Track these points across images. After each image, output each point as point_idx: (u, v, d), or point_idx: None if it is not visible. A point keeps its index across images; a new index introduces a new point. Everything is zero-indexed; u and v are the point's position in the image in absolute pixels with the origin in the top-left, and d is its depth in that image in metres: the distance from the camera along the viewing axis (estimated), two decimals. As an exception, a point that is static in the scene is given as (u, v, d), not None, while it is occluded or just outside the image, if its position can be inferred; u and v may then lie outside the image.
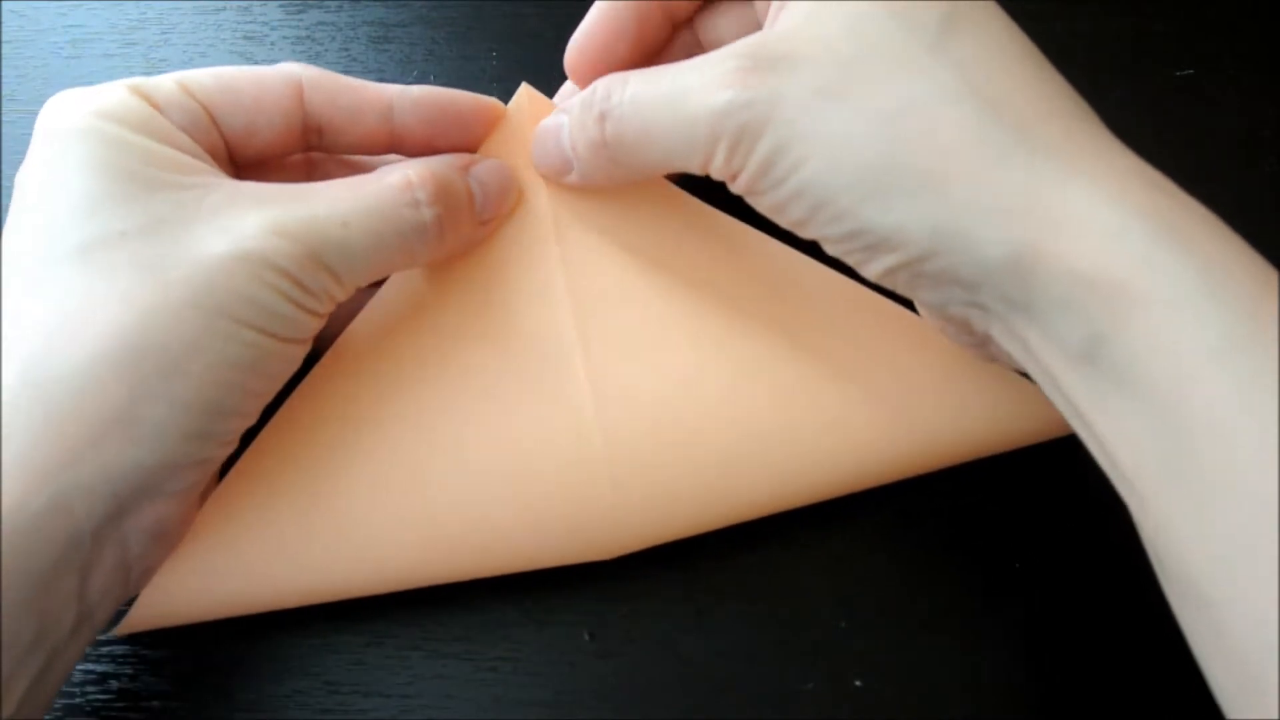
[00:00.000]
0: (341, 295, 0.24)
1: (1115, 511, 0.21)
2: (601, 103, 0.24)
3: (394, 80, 0.35)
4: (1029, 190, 0.20)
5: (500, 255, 0.27)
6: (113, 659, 0.27)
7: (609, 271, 0.26)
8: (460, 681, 0.26)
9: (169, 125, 0.24)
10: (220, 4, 0.37)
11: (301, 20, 0.36)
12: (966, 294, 0.21)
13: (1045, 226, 0.20)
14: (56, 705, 0.26)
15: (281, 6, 0.37)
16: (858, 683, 0.26)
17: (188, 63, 0.35)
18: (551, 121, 0.26)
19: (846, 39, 0.21)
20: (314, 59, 0.36)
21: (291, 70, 0.26)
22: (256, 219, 0.22)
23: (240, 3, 0.37)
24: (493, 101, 0.27)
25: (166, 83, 0.24)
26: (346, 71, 0.35)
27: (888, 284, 0.23)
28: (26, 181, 0.23)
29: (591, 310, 0.26)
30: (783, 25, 0.22)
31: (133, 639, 0.27)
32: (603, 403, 0.25)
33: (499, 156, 0.27)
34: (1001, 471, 0.27)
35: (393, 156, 0.28)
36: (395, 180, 0.24)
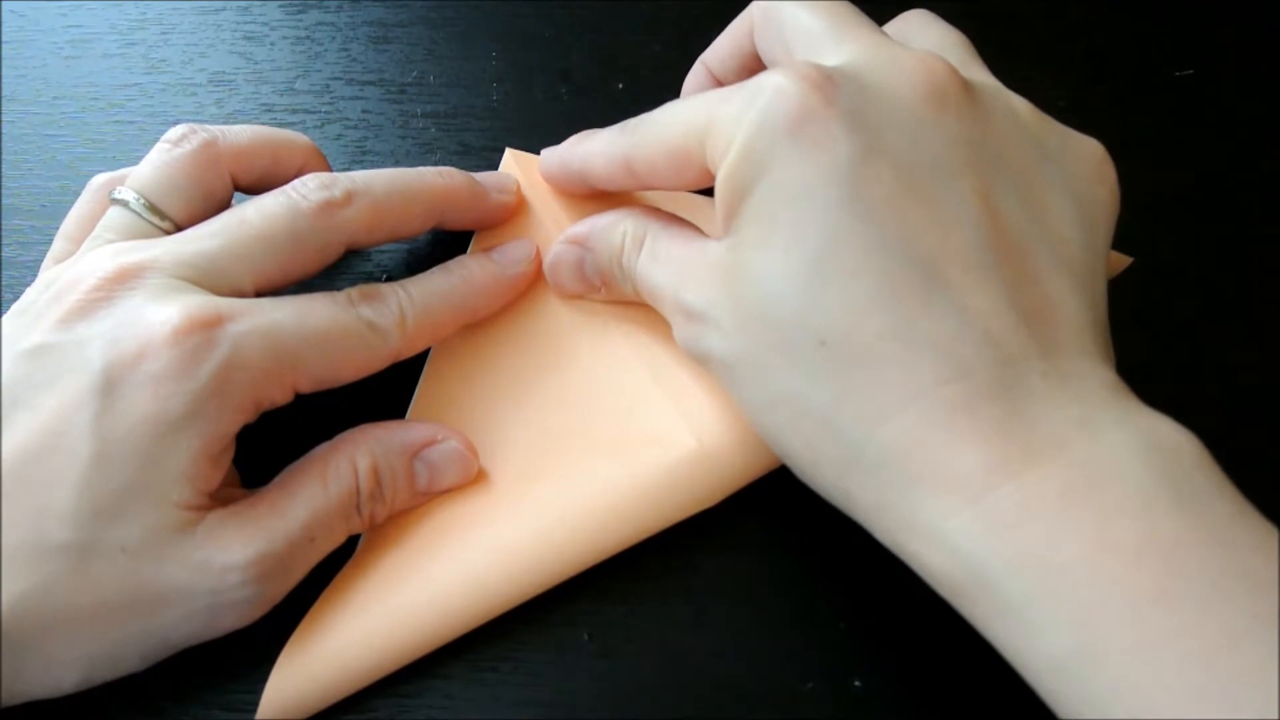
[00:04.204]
0: None
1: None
2: (627, 267, 0.26)
3: (393, 80, 0.35)
4: (879, 493, 0.21)
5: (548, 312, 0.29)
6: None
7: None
8: (460, 681, 0.26)
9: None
10: (220, 4, 0.37)
11: (301, 20, 0.36)
12: None
13: (899, 529, 0.21)
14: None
15: (281, 7, 0.37)
16: (857, 683, 0.26)
17: (187, 63, 0.35)
18: (570, 256, 0.28)
19: (745, 329, 0.23)
20: (314, 59, 0.36)
21: None
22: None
23: (240, 3, 0.37)
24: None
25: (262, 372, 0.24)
26: (346, 71, 0.35)
27: None
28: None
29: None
30: (717, 264, 0.23)
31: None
32: (674, 392, 0.27)
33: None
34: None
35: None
36: (342, 487, 0.25)
